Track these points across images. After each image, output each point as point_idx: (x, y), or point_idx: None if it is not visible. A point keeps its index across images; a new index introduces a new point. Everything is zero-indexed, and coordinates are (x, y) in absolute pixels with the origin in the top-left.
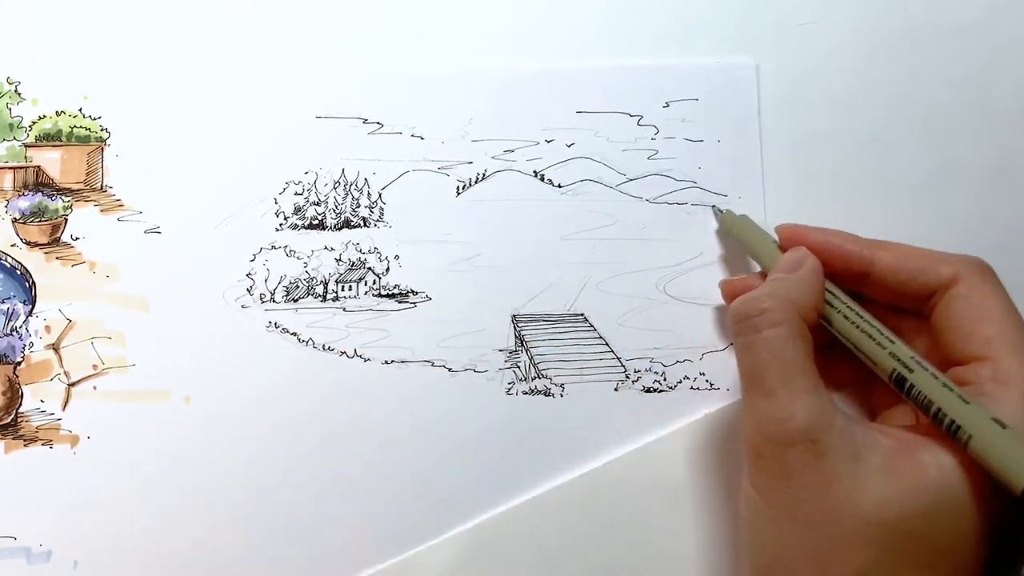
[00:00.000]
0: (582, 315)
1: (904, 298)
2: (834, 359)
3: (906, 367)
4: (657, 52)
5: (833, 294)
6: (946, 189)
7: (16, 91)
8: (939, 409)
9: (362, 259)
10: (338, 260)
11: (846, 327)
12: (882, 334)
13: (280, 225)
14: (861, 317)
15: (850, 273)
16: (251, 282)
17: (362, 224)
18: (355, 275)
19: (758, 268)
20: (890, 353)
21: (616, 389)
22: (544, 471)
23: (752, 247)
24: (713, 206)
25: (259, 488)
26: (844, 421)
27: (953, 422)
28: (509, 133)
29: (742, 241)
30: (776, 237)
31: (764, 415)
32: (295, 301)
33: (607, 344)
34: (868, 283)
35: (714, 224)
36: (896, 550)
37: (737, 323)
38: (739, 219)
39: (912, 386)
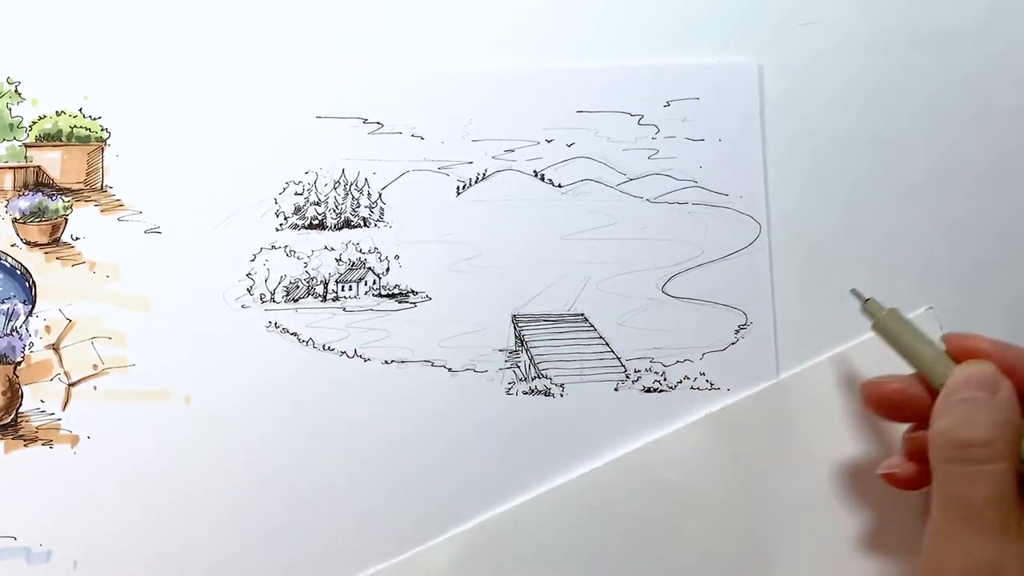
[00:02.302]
0: (582, 315)
1: None
2: None
3: None
4: (658, 51)
5: None
6: (946, 189)
7: (16, 91)
8: None
9: (362, 259)
10: (338, 260)
11: None
12: None
13: (280, 225)
14: None
15: None
16: (251, 282)
17: (362, 224)
18: (355, 275)
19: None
20: None
21: (616, 389)
22: (544, 471)
23: (911, 350)
24: (852, 290)
25: (259, 488)
26: None
27: None
28: (509, 133)
29: (895, 341)
30: (936, 341)
31: (976, 554)
32: (295, 301)
33: (607, 344)
34: None
35: (713, 223)
36: None
37: (957, 449)
38: (889, 315)
39: None
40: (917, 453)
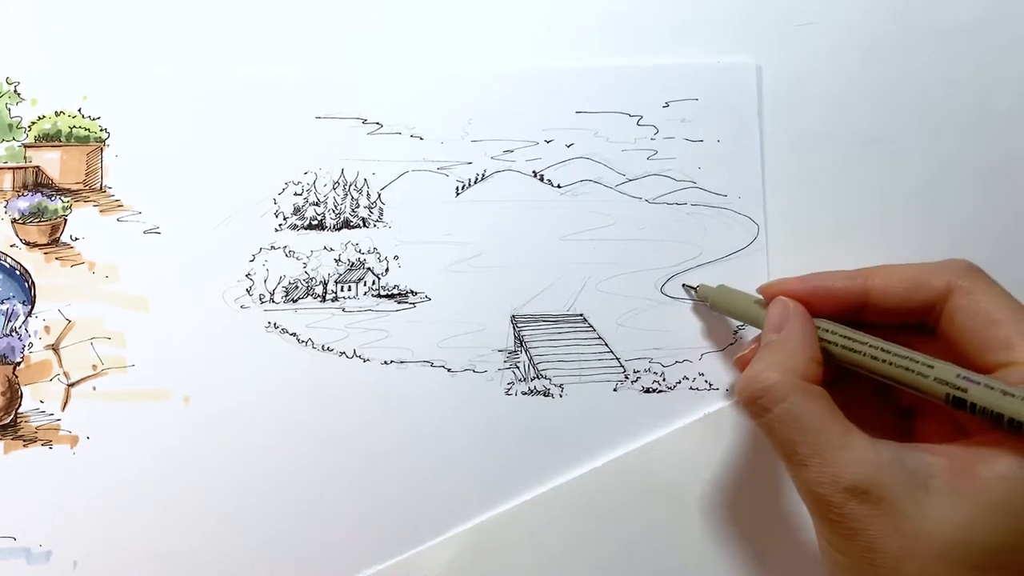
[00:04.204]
0: (581, 315)
1: (906, 316)
2: (847, 384)
3: (958, 388)
4: (657, 52)
5: (849, 338)
6: (946, 189)
7: (15, 91)
8: (1011, 419)
9: (361, 259)
10: (337, 260)
11: (879, 367)
12: (917, 362)
13: (280, 225)
14: (889, 352)
15: (848, 308)
16: (250, 282)
17: (361, 224)
18: (354, 275)
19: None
20: (935, 379)
21: (615, 389)
22: (544, 471)
23: (741, 315)
24: (683, 285)
25: (259, 488)
26: (890, 454)
27: None
28: (509, 133)
29: (729, 313)
30: (759, 296)
31: (809, 483)
32: (294, 301)
33: (606, 344)
34: (866, 312)
35: (712, 224)
36: (984, 569)
37: (746, 407)
38: (718, 291)
39: (973, 404)
40: None
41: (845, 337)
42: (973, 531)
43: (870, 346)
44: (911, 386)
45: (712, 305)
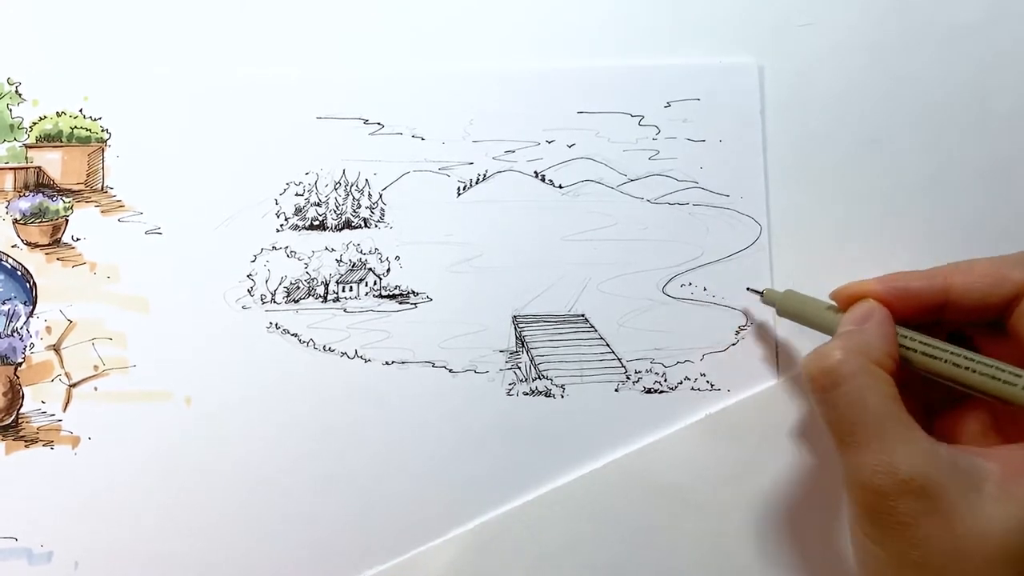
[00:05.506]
0: (583, 316)
1: (983, 313)
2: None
3: None
4: (658, 52)
5: (929, 344)
6: (946, 189)
7: (17, 92)
8: None
9: (363, 260)
10: (339, 261)
11: (962, 375)
12: (1003, 370)
13: (281, 226)
14: (973, 360)
15: (928, 308)
16: (252, 283)
17: (363, 225)
18: (356, 276)
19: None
20: None
21: (617, 390)
22: (544, 471)
23: (811, 321)
24: (748, 288)
25: (259, 489)
26: (947, 454)
27: None
28: (510, 133)
29: (798, 318)
30: (831, 302)
31: (866, 470)
32: (296, 302)
33: (608, 345)
34: (946, 311)
35: (713, 224)
36: None
37: (812, 380)
38: (785, 296)
39: None
40: None
41: (925, 344)
42: (1021, 536)
43: (952, 353)
44: (996, 395)
45: (779, 310)
